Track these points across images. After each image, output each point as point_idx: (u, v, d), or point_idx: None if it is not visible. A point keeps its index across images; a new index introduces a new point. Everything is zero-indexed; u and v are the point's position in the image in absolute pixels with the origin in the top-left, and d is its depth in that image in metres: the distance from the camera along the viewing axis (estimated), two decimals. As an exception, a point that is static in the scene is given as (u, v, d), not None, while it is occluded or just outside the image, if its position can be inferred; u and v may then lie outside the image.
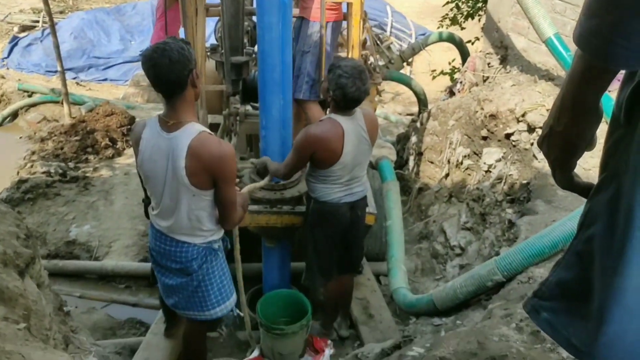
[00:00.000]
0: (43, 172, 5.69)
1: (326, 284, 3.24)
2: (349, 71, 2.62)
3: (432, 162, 5.06)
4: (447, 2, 7.39)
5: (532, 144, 3.72)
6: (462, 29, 7.15)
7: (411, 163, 5.43)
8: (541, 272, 2.46)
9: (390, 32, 11.62)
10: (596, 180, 1.03)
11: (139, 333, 3.75)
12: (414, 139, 5.41)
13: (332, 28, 3.93)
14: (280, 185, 3.33)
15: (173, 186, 2.21)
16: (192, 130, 2.15)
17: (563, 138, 1.01)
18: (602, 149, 1.02)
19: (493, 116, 4.15)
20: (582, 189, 1.11)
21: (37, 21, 11.99)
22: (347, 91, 2.62)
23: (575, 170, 1.11)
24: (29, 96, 8.74)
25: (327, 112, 2.86)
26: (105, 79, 10.10)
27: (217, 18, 4.09)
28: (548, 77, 4.38)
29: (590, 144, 1.04)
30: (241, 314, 2.82)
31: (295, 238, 3.40)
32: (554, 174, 1.13)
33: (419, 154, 5.25)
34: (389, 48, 5.94)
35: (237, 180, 3.28)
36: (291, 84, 3.15)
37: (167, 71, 2.04)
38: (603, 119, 1.02)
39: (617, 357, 0.94)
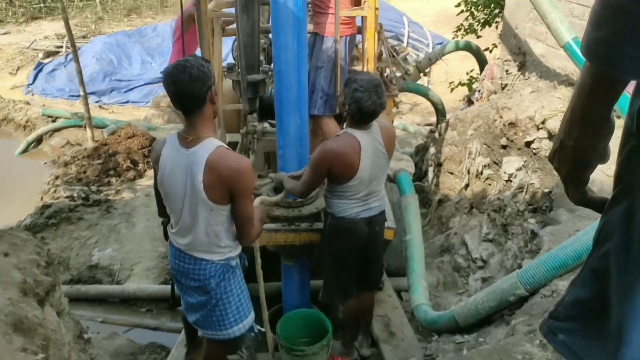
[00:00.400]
0: (66, 197, 5.79)
1: (345, 302, 3.19)
2: (365, 85, 2.60)
3: (451, 173, 4.98)
4: (462, 11, 7.31)
5: (553, 152, 3.62)
6: (478, 37, 7.06)
7: (430, 174, 5.35)
8: (565, 285, 2.36)
9: (408, 42, 11.58)
10: (611, 193, 0.99)
11: (160, 358, 3.75)
12: (432, 149, 5.34)
13: (346, 42, 3.92)
14: (297, 202, 3.30)
15: (192, 202, 2.23)
16: (211, 145, 2.18)
17: (574, 152, 0.99)
18: (616, 161, 0.98)
19: (512, 124, 4.06)
20: (597, 204, 1.07)
21: (61, 46, 12.31)
22: (363, 105, 2.59)
23: (598, 176, 1.07)
24: (53, 121, 8.95)
25: (344, 126, 2.83)
26: (127, 102, 10.26)
27: (234, 37, 4.11)
28: (568, 82, 4.28)
29: (603, 157, 1.01)
30: (262, 330, 2.79)
31: (314, 255, 3.36)
32: (566, 190, 1.10)
33: (438, 165, 5.17)
34: (405, 59, 5.90)
35: (254, 196, 3.28)
36: (307, 102, 3.16)
37: (186, 87, 2.10)
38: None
39: None
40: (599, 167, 1.04)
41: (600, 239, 0.98)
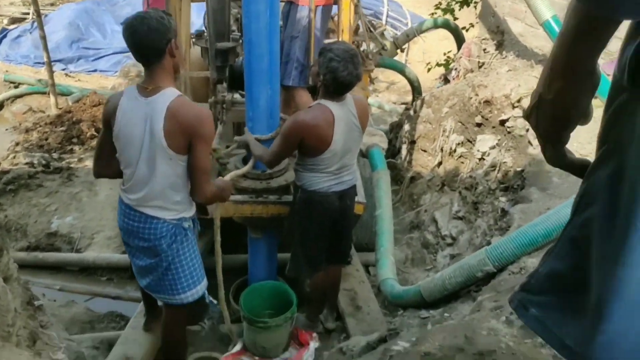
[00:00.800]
0: (26, 163, 5.55)
1: (313, 275, 3.12)
2: (341, 54, 2.49)
3: (425, 151, 4.94)
4: None
5: (527, 130, 3.59)
6: (456, 18, 6.99)
7: (404, 152, 5.30)
8: (534, 262, 2.34)
9: (386, 21, 11.44)
10: (593, 158, 0.90)
11: (119, 327, 3.63)
12: (406, 127, 5.28)
13: (321, 12, 3.80)
14: (266, 174, 3.21)
15: (150, 151, 2.20)
16: (171, 93, 2.18)
17: (554, 107, 0.90)
18: (601, 121, 0.89)
19: (488, 102, 4.02)
20: (576, 167, 0.99)
21: (27, 13, 11.80)
22: (339, 75, 2.49)
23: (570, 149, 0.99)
24: (16, 87, 8.63)
25: (317, 98, 2.72)
26: (94, 70, 9.89)
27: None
28: (545, 61, 4.24)
29: (585, 116, 0.92)
30: (214, 301, 2.77)
31: (282, 228, 3.28)
32: (543, 150, 1.01)
33: (412, 143, 5.12)
34: (382, 34, 5.81)
35: (222, 165, 3.17)
36: (279, 73, 3.05)
37: (145, 39, 2.10)
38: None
39: (617, 359, 0.81)
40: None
41: (581, 205, 0.89)
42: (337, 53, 2.50)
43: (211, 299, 2.65)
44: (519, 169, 3.46)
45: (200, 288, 2.51)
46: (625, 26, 0.83)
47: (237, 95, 4.08)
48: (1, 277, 2.42)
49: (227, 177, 2.80)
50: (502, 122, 3.85)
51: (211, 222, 2.82)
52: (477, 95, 4.20)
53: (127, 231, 2.40)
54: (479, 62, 5.06)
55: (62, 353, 2.63)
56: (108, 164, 2.40)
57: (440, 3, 7.25)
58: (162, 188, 2.27)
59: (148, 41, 2.10)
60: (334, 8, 4.05)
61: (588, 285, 0.84)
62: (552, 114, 0.91)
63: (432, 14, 7.32)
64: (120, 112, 2.23)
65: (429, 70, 7.22)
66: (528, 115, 0.98)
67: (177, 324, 2.67)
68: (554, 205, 2.74)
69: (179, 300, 2.47)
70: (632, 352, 0.79)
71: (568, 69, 0.85)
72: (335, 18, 4.44)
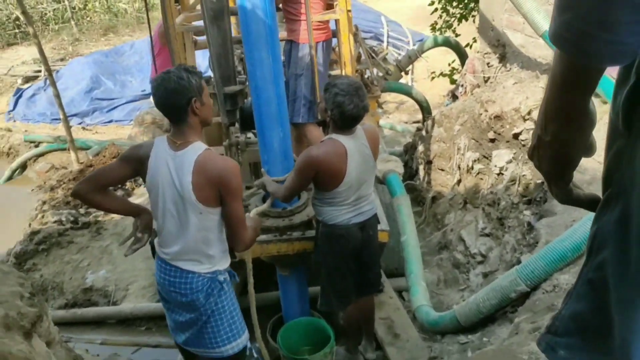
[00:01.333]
0: (55, 221, 5.69)
1: (345, 308, 3.15)
2: (346, 89, 2.55)
3: (442, 170, 4.97)
4: (435, 10, 7.32)
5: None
6: (457, 35, 7.06)
7: (421, 172, 5.33)
8: (567, 279, 2.34)
9: (387, 42, 11.58)
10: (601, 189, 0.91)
11: (162, 376, 3.68)
12: (421, 147, 5.32)
13: (322, 48, 3.90)
14: (287, 211, 3.26)
15: (180, 205, 2.23)
16: (199, 147, 2.22)
17: (553, 148, 0.90)
18: (604, 160, 0.90)
19: (498, 117, 4.06)
20: (584, 202, 0.99)
21: (39, 71, 12.14)
22: (345, 109, 2.55)
23: (590, 164, 1.00)
24: (36, 146, 8.85)
25: (328, 132, 2.79)
26: (110, 121, 10.13)
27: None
28: (550, 70, 4.28)
29: (587, 151, 0.93)
30: (256, 355, 2.77)
31: (309, 263, 3.32)
32: (549, 188, 1.01)
33: (428, 163, 5.16)
34: (384, 59, 5.89)
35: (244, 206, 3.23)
36: (287, 115, 3.11)
37: (165, 100, 2.16)
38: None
39: None
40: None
41: (595, 247, 0.90)
42: (342, 88, 2.55)
43: (253, 350, 2.62)
44: (539, 181, 3.48)
45: (242, 341, 2.49)
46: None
47: (250, 135, 4.17)
48: (44, 341, 2.50)
49: (251, 214, 2.85)
50: (516, 136, 3.88)
51: (241, 263, 2.86)
52: (486, 111, 4.24)
53: (164, 286, 2.40)
54: (484, 76, 5.12)
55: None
56: (95, 192, 2.35)
57: (435, 22, 7.36)
58: (195, 242, 2.28)
59: (168, 103, 2.17)
60: (334, 40, 4.15)
61: (610, 327, 0.85)
62: (552, 154, 0.91)
63: (433, 28, 7.40)
64: (152, 164, 2.28)
65: (432, 79, 7.26)
66: (530, 155, 0.98)
67: None
68: (578, 216, 2.74)
69: (219, 353, 2.45)
70: None
71: (561, 113, 0.85)
72: (337, 49, 4.55)
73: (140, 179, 2.55)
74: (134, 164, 2.34)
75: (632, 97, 0.79)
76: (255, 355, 2.63)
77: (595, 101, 0.88)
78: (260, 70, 2.83)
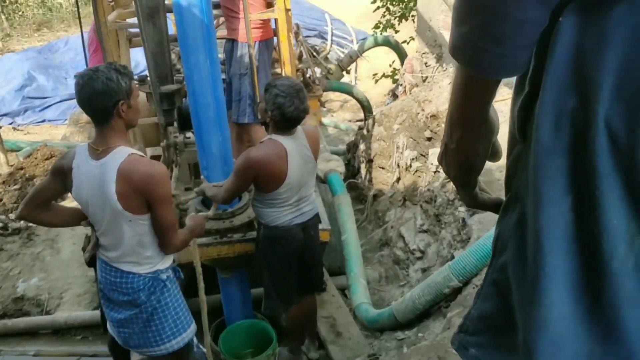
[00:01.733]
0: (-19, 228, 5.37)
1: (288, 310, 3.15)
2: (286, 90, 2.54)
3: (382, 168, 5.05)
4: (378, 8, 7.44)
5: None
6: (397, 32, 7.20)
7: (363, 171, 5.41)
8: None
9: (331, 40, 11.64)
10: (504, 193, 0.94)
11: (99, 387, 3.56)
12: (362, 146, 5.39)
13: (261, 47, 3.86)
14: (228, 213, 3.22)
15: (110, 214, 2.16)
16: (121, 153, 2.12)
17: (458, 155, 0.93)
18: (505, 165, 0.93)
19: (434, 116, 4.17)
20: (489, 206, 1.04)
21: (-34, 68, 11.43)
22: (286, 111, 2.54)
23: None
24: (-38, 148, 8.31)
25: (268, 133, 2.77)
26: (43, 121, 9.63)
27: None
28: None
29: (493, 156, 0.96)
30: (203, 349, 2.73)
31: (251, 266, 3.30)
32: (458, 193, 1.08)
33: (369, 161, 5.23)
34: (326, 58, 5.94)
35: (182, 211, 3.18)
36: (226, 119, 3.06)
37: (89, 100, 2.06)
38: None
39: None
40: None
41: (497, 249, 0.92)
42: (282, 89, 2.54)
43: (199, 344, 2.62)
44: (472, 179, 3.60)
45: (187, 335, 2.48)
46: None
47: (190, 135, 4.08)
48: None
49: (202, 214, 2.79)
50: (451, 135, 3.99)
51: (187, 266, 2.82)
52: (423, 110, 4.35)
53: (105, 285, 2.37)
54: (422, 76, 5.24)
55: None
56: (38, 211, 2.33)
57: (380, 22, 7.47)
58: (131, 247, 2.25)
59: (93, 103, 2.07)
60: (276, 40, 4.13)
61: (514, 325, 0.88)
62: (458, 160, 0.95)
63: (374, 32, 7.52)
64: (75, 176, 2.20)
65: (376, 82, 7.38)
66: (440, 160, 1.01)
67: None
68: (508, 212, 2.85)
69: (163, 350, 2.43)
70: None
71: (462, 122, 0.88)
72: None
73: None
74: (60, 176, 2.26)
75: (525, 106, 0.81)
76: (199, 351, 2.62)
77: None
78: (198, 75, 2.78)
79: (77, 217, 2.43)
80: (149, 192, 2.12)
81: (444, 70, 4.88)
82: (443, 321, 2.49)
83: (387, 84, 7.90)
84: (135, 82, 3.98)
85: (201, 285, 2.82)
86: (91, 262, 2.73)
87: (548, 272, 0.77)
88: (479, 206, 1.05)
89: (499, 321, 0.93)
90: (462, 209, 3.55)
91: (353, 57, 6.80)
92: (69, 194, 2.34)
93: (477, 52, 0.73)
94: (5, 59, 11.63)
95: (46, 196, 2.34)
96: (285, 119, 2.58)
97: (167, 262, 2.41)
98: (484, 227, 2.88)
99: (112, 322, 2.47)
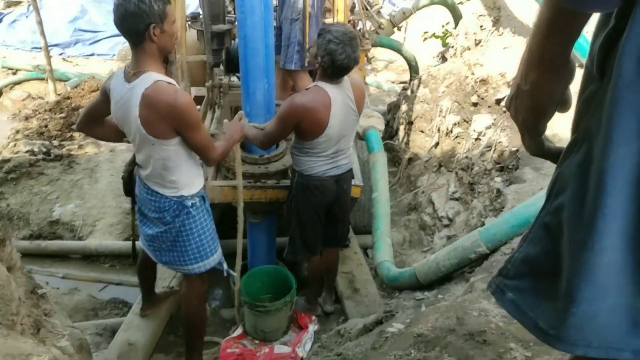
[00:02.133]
0: (26, 151, 5.56)
1: (311, 259, 3.16)
2: (340, 37, 2.47)
3: (422, 132, 4.93)
4: None
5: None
6: None
7: (401, 133, 5.29)
8: (526, 244, 2.34)
9: (384, -3, 11.30)
10: None
11: (122, 314, 3.70)
12: (404, 107, 5.26)
13: None
14: (264, 158, 3.21)
15: (138, 135, 2.23)
16: (149, 79, 2.14)
17: (531, 97, 0.91)
18: (575, 108, 0.91)
19: (484, 81, 4.00)
20: (555, 155, 1.00)
21: (23, -4, 11.68)
22: (336, 58, 2.47)
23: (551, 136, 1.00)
24: (14, 74, 8.60)
25: (315, 80, 2.71)
26: (92, 54, 9.84)
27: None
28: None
29: (563, 105, 0.94)
30: (233, 273, 2.83)
31: (281, 213, 3.30)
32: (522, 139, 1.03)
33: (409, 123, 5.10)
34: (378, 12, 5.73)
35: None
36: (274, 66, 3.01)
37: (122, 21, 2.07)
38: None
39: (587, 341, 0.83)
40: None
41: (554, 191, 0.91)
42: (335, 35, 2.47)
43: (230, 271, 2.72)
44: (513, 149, 3.46)
45: (209, 262, 2.56)
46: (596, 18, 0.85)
47: (234, 79, 4.06)
48: (5, 266, 2.47)
49: (234, 119, 2.79)
50: (498, 102, 3.84)
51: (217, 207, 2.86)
52: (473, 74, 4.18)
53: (140, 200, 2.51)
54: (475, 39, 5.01)
55: (65, 340, 2.68)
56: (92, 125, 2.52)
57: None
58: (156, 169, 2.32)
59: (125, 24, 2.07)
60: (331, -13, 4.00)
61: (560, 270, 0.87)
62: (529, 104, 0.93)
63: None
64: (112, 97, 2.27)
65: (425, 40, 7.12)
66: (508, 104, 1.00)
67: (194, 294, 2.71)
68: (546, 185, 2.74)
69: (186, 270, 2.56)
70: (601, 334, 0.82)
71: (542, 61, 0.86)
72: (332, -3, 4.39)
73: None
74: (105, 95, 2.34)
75: (609, 41, 0.79)
76: (230, 273, 2.74)
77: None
78: (251, 19, 2.73)
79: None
80: (175, 121, 2.16)
81: (500, 35, 4.64)
82: (465, 285, 2.44)
83: (436, 46, 7.64)
84: (188, 19, 3.99)
85: (240, 218, 2.90)
86: (127, 191, 2.82)
87: (606, 214, 0.76)
88: (544, 154, 1.03)
89: (543, 265, 0.92)
90: (499, 179, 3.44)
91: (406, 14, 6.56)
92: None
93: None
94: (60, -10, 11.78)
95: (97, 112, 2.46)
96: (335, 66, 2.51)
97: (193, 189, 2.44)
98: (520, 197, 2.78)
99: (144, 236, 2.61)
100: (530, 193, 2.76)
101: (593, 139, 0.80)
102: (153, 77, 2.13)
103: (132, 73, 2.16)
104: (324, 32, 2.53)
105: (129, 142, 2.52)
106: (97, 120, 2.49)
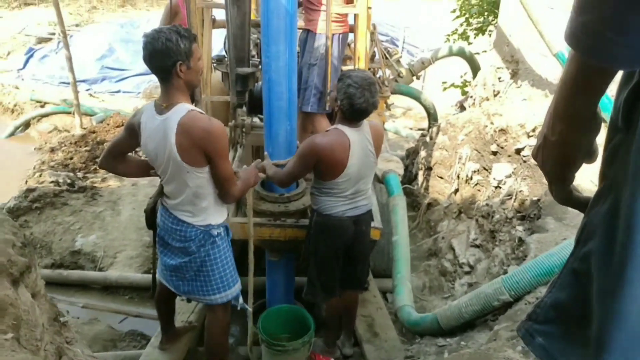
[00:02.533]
0: (51, 182, 5.69)
1: (329, 300, 3.16)
2: (359, 81, 2.57)
3: (441, 177, 4.98)
4: (457, 17, 7.32)
5: (543, 160, 3.62)
6: (470, 44, 7.06)
7: (420, 178, 5.35)
8: (550, 292, 2.35)
9: (402, 47, 11.59)
10: None
11: (140, 346, 3.70)
12: (423, 153, 5.33)
13: (338, 40, 3.90)
14: (284, 197, 3.27)
15: (172, 165, 2.31)
16: (182, 109, 2.25)
17: (558, 149, 0.93)
18: (601, 157, 0.94)
19: (503, 131, 4.07)
20: (582, 204, 1.02)
21: (53, 34, 12.12)
22: (355, 102, 2.56)
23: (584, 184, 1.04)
24: (42, 107, 8.85)
25: (334, 123, 2.80)
26: (118, 91, 10.12)
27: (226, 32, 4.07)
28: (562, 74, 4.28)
29: (590, 156, 0.96)
30: (248, 308, 2.87)
31: (299, 252, 3.34)
32: (550, 188, 1.05)
33: (428, 169, 5.17)
34: (398, 61, 5.88)
35: None
36: (296, 109, 3.14)
37: (150, 58, 2.19)
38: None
39: None
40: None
41: (582, 238, 0.93)
42: (355, 80, 2.57)
43: (245, 305, 2.75)
44: (535, 198, 3.50)
45: (231, 292, 2.62)
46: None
47: (256, 119, 4.19)
48: (30, 292, 2.52)
49: (250, 166, 2.86)
50: (518, 151, 3.90)
51: (237, 243, 2.91)
52: (492, 123, 4.26)
53: (163, 229, 2.55)
54: (494, 90, 5.13)
55: (88, 370, 2.70)
56: (116, 162, 2.58)
57: (456, 30, 7.35)
58: (188, 197, 2.40)
59: (154, 61, 2.19)
60: (351, 35, 4.15)
61: (589, 317, 0.87)
62: (557, 155, 0.94)
63: (447, 40, 7.41)
64: (142, 131, 2.36)
65: (444, 89, 7.27)
66: (535, 154, 1.01)
67: (217, 325, 2.74)
68: (570, 235, 2.77)
69: (210, 300, 2.60)
70: None
71: (569, 115, 0.88)
72: (352, 45, 4.55)
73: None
74: (131, 131, 2.44)
75: (634, 95, 0.81)
76: (245, 308, 2.77)
77: None
78: (276, 64, 2.86)
79: (148, 168, 2.61)
80: (207, 146, 2.25)
81: (518, 87, 4.75)
82: (489, 333, 2.43)
83: (453, 95, 7.78)
84: (213, 61, 4.15)
85: (251, 257, 2.95)
86: (150, 224, 2.88)
87: (636, 263, 0.76)
88: (572, 203, 1.04)
89: (573, 311, 0.93)
90: (520, 227, 3.46)
91: (425, 63, 6.74)
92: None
93: (600, 41, 0.72)
94: (89, 29, 12.28)
95: (120, 149, 2.55)
96: (354, 110, 2.59)
97: (220, 218, 2.53)
98: (543, 247, 2.79)
99: (165, 267, 2.64)
100: (553, 243, 2.77)
101: (620, 188, 0.82)
102: (186, 106, 2.27)
103: (164, 106, 2.27)
104: (344, 77, 2.64)
105: (149, 176, 2.64)
106: (120, 156, 2.58)
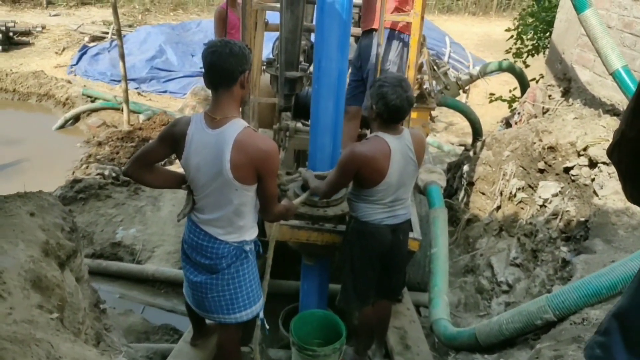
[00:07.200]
0: (97, 174, 5.88)
1: (362, 308, 3.12)
2: (389, 80, 2.56)
3: (483, 193, 4.88)
4: (511, 37, 7.17)
5: (592, 180, 3.51)
6: (527, 66, 6.90)
7: (461, 193, 5.25)
8: (597, 314, 2.26)
9: (448, 62, 11.49)
10: None
11: (172, 340, 3.74)
12: (465, 168, 5.24)
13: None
14: (323, 202, 3.26)
15: (218, 181, 2.23)
16: (239, 125, 2.20)
17: (636, 145, 0.90)
18: None
19: (552, 148, 3.96)
20: None
21: (107, 33, 12.58)
22: (389, 98, 2.52)
23: None
24: (92, 101, 9.16)
25: (373, 130, 2.78)
26: (165, 91, 10.38)
27: (276, 36, 4.12)
28: (613, 112, 4.16)
29: None
30: (267, 326, 2.77)
31: (335, 258, 3.32)
32: (624, 188, 1.01)
33: (470, 184, 5.07)
34: (445, 74, 5.84)
35: (282, 191, 3.28)
36: (342, 124, 3.18)
37: (223, 60, 2.12)
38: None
39: None
40: None
41: None
42: (386, 80, 2.56)
43: (264, 320, 2.67)
44: (582, 219, 3.38)
45: (256, 308, 2.55)
46: None
47: (299, 124, 4.21)
48: (74, 277, 2.59)
49: (295, 201, 2.89)
50: (567, 170, 3.78)
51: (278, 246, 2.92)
52: (540, 140, 4.15)
53: (190, 246, 2.45)
54: (543, 107, 5.01)
55: (123, 357, 2.75)
56: (143, 171, 2.44)
57: (510, 48, 7.20)
58: (228, 214, 2.32)
59: (226, 64, 2.13)
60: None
61: None
62: (634, 151, 0.92)
63: (506, 54, 7.27)
64: (189, 142, 2.25)
65: (490, 101, 7.13)
66: (610, 151, 0.99)
67: (232, 343, 2.69)
68: (619, 258, 2.65)
69: (233, 319, 2.50)
70: None
71: None
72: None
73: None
74: (170, 142, 2.33)
75: None
76: (261, 322, 2.68)
77: None
78: (327, 80, 2.92)
79: (177, 181, 2.54)
80: (262, 165, 2.21)
81: (569, 105, 4.62)
82: (529, 352, 2.35)
83: (498, 112, 7.63)
84: (263, 64, 4.20)
85: (269, 262, 2.93)
86: None
87: None
88: None
89: (636, 321, 0.91)
90: (565, 248, 3.34)
91: (473, 78, 6.66)
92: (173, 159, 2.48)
93: None
94: (142, 30, 12.67)
95: (152, 158, 2.42)
96: (389, 108, 2.54)
97: (254, 233, 2.48)
98: (590, 268, 2.69)
99: (188, 283, 2.56)
100: (601, 264, 2.66)
101: None
102: (242, 122, 2.22)
103: (217, 119, 2.20)
104: (375, 82, 2.63)
105: (177, 188, 2.56)
106: (149, 166, 2.44)
